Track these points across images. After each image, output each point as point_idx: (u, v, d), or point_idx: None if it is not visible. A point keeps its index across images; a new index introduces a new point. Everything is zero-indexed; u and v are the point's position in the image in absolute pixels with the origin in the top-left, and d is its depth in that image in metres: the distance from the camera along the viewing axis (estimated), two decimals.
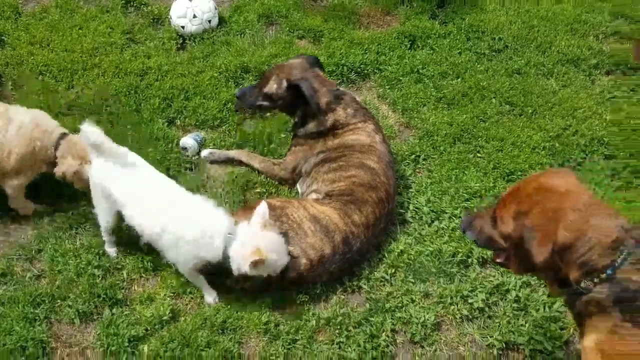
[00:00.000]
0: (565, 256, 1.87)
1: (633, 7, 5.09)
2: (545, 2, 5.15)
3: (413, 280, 2.91)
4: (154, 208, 2.68)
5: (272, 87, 3.32)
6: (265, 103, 3.39)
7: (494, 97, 4.05)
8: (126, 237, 3.05)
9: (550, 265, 1.90)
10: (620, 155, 3.59)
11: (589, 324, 1.91)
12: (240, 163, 3.54)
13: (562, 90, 4.18)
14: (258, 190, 3.36)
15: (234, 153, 3.58)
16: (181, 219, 2.62)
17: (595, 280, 1.85)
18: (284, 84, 3.29)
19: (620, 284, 1.81)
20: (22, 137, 2.93)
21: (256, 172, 3.48)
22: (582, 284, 1.88)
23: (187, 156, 3.54)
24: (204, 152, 3.58)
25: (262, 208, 2.58)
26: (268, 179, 3.43)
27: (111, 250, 3.02)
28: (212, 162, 3.57)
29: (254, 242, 2.49)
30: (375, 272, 2.95)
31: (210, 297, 2.83)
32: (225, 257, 2.57)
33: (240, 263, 2.52)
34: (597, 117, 3.92)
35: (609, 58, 4.47)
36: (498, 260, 2.18)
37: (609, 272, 1.82)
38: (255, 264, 2.47)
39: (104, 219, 2.91)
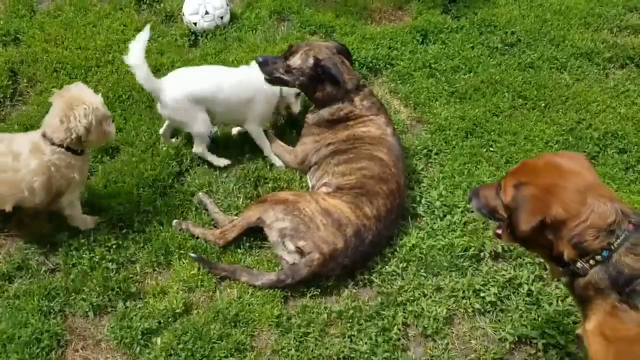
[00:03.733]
0: (559, 233, 1.91)
1: None
2: None
3: (425, 274, 2.90)
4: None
5: (296, 61, 3.30)
6: (285, 76, 3.34)
7: (506, 91, 4.03)
8: (140, 228, 3.09)
9: (537, 238, 1.95)
10: (634, 149, 3.55)
11: (590, 308, 1.94)
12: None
13: (576, 84, 4.14)
14: (270, 185, 3.37)
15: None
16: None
17: (591, 262, 1.89)
18: (311, 60, 3.26)
19: (616, 267, 1.85)
20: (34, 168, 2.76)
21: (268, 167, 3.50)
22: (578, 265, 1.92)
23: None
24: (234, 130, 3.72)
25: None
26: (279, 174, 3.44)
27: (220, 160, 3.46)
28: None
29: None
30: (387, 266, 2.95)
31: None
32: None
33: None
34: (611, 111, 3.88)
35: (623, 51, 4.41)
36: (497, 232, 2.20)
37: (604, 254, 1.86)
38: None
39: (205, 132, 3.36)
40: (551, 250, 1.97)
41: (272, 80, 3.39)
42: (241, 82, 3.42)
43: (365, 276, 2.91)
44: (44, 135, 2.76)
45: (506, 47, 4.50)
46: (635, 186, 3.31)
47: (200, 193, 3.26)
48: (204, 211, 3.20)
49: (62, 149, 2.76)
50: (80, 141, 2.77)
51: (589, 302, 1.95)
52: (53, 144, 2.74)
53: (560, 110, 3.89)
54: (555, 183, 1.93)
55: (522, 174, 2.05)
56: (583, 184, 1.91)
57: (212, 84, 3.33)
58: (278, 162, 3.51)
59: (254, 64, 3.41)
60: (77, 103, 2.71)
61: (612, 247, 1.86)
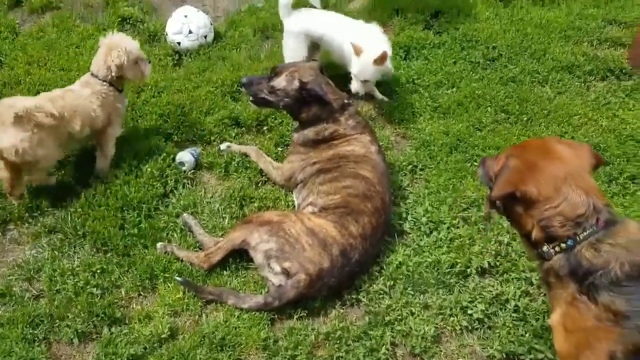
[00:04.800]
0: (530, 211, 1.99)
1: (625, 13, 5.11)
2: (537, 10, 5.18)
3: (412, 292, 2.90)
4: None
5: (281, 82, 3.31)
6: (269, 97, 3.36)
7: (489, 106, 4.06)
8: (124, 252, 3.07)
9: (510, 210, 2.06)
10: (616, 161, 3.58)
11: (553, 297, 2.02)
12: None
13: (558, 97, 4.19)
14: (256, 204, 3.36)
15: (246, 149, 3.67)
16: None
17: (557, 248, 1.97)
18: (296, 83, 3.27)
19: (577, 258, 1.92)
20: (88, 94, 3.36)
21: (254, 186, 3.50)
22: (544, 248, 2.00)
23: (184, 171, 3.55)
24: (223, 145, 3.72)
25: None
26: (265, 194, 3.43)
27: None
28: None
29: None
30: (374, 285, 2.94)
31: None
32: None
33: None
34: (593, 124, 3.92)
35: (603, 64, 4.47)
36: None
37: (569, 243, 1.93)
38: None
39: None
40: (522, 227, 2.06)
41: (256, 101, 3.41)
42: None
43: (353, 296, 2.90)
44: (92, 74, 3.43)
45: (488, 62, 4.54)
46: (618, 199, 3.34)
47: (185, 214, 3.25)
48: (188, 233, 3.18)
49: (106, 84, 3.42)
50: (121, 78, 3.47)
51: (551, 291, 2.02)
52: (98, 79, 3.40)
53: (543, 124, 3.92)
54: (538, 162, 2.00)
55: (519, 148, 2.15)
56: (564, 172, 1.96)
57: None
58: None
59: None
60: (115, 47, 3.39)
61: (578, 239, 1.92)
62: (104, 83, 3.41)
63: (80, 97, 3.32)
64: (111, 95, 3.43)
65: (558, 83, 4.32)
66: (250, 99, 3.43)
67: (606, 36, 4.84)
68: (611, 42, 4.79)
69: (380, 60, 3.58)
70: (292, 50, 4.08)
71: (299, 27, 4.04)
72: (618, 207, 3.27)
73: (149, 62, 3.59)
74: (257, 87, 3.37)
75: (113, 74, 3.39)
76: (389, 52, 3.69)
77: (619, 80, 4.39)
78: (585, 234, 1.92)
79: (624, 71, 4.43)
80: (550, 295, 2.06)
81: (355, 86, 3.78)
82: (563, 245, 1.95)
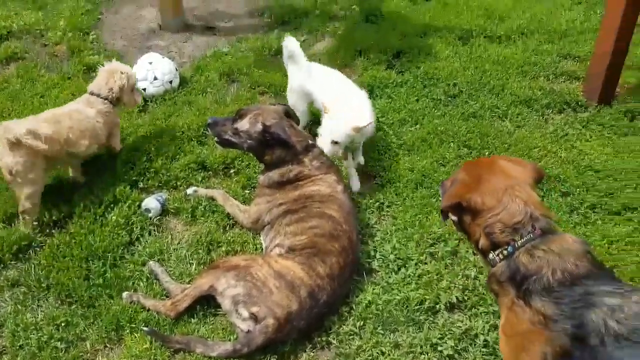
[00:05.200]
0: (476, 220, 2.15)
1: (578, 47, 5.32)
2: (494, 47, 5.36)
3: (382, 332, 2.88)
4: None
5: (245, 124, 3.35)
6: (233, 138, 3.41)
7: (452, 141, 4.15)
8: (89, 303, 3.00)
9: (460, 220, 2.22)
10: (576, 192, 3.67)
11: (500, 305, 2.13)
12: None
13: (517, 131, 4.30)
14: (224, 249, 3.34)
15: (213, 192, 3.66)
16: None
17: (500, 255, 2.10)
18: (259, 126, 3.31)
19: (515, 264, 2.04)
20: (93, 114, 3.67)
21: (221, 230, 3.48)
22: (491, 256, 2.13)
23: (150, 218, 3.52)
24: (189, 190, 3.71)
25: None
26: (233, 237, 3.42)
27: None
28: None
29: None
30: (344, 326, 2.92)
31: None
32: None
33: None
34: (552, 155, 4.03)
35: (559, 97, 4.63)
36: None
37: (509, 249, 2.07)
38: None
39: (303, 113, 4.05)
40: (472, 235, 2.21)
41: (220, 141, 3.46)
42: None
43: (323, 338, 2.87)
44: (91, 93, 3.75)
45: (449, 99, 4.66)
46: (580, 228, 3.41)
47: (151, 262, 3.20)
48: (155, 281, 3.13)
49: (108, 101, 3.75)
50: (118, 100, 3.82)
51: (498, 298, 2.13)
52: (100, 97, 3.73)
53: None
54: (482, 176, 2.17)
55: (468, 164, 2.39)
56: (506, 184, 2.12)
57: None
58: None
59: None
60: (116, 71, 3.81)
61: (516, 245, 2.05)
62: (106, 101, 3.74)
63: (87, 117, 3.60)
64: (112, 113, 3.79)
65: (517, 117, 4.45)
66: (215, 139, 3.48)
67: (561, 70, 5.03)
68: (566, 76, 4.97)
69: (358, 129, 3.48)
70: (292, 105, 4.03)
71: (296, 82, 4.09)
72: (581, 236, 3.33)
73: (140, 93, 4.15)
74: (221, 128, 3.42)
75: (114, 94, 3.75)
76: (372, 120, 3.66)
77: (575, 112, 4.54)
78: (522, 240, 2.05)
79: (579, 103, 4.59)
80: (498, 303, 2.17)
81: (326, 149, 3.50)
82: (505, 252, 2.08)
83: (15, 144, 3.14)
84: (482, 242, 2.15)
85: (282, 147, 3.28)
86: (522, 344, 1.98)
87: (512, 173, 2.19)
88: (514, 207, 2.08)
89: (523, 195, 2.11)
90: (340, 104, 3.60)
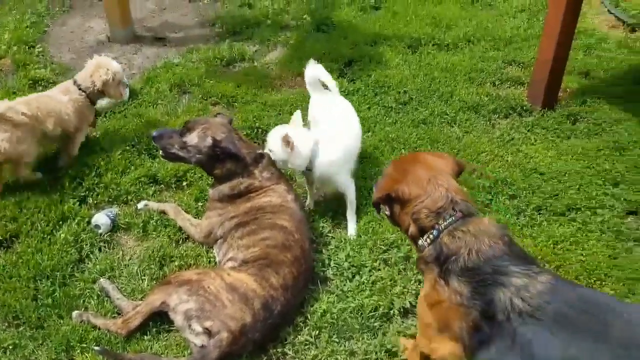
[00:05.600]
0: (405, 209, 2.34)
1: (523, 53, 5.50)
2: (442, 55, 5.49)
3: (338, 340, 2.90)
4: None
5: (193, 138, 3.29)
6: (181, 152, 3.33)
7: (403, 148, 4.21)
8: (38, 324, 2.92)
9: (391, 211, 2.41)
10: (523, 194, 3.78)
11: (425, 278, 2.33)
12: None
13: (466, 136, 4.41)
14: (176, 263, 3.30)
15: (164, 206, 3.61)
16: None
17: (427, 240, 2.27)
18: (209, 140, 3.26)
19: (440, 246, 2.21)
20: (66, 100, 3.88)
21: (174, 244, 3.44)
22: (420, 242, 2.31)
23: (100, 234, 3.46)
24: (140, 204, 3.64)
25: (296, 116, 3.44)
26: (186, 251, 3.38)
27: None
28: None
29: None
30: (299, 336, 2.92)
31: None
32: None
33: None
34: (499, 159, 4.14)
35: (505, 102, 4.76)
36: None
37: (435, 233, 2.24)
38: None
39: None
40: (403, 225, 2.39)
41: (167, 155, 3.39)
42: None
43: (279, 349, 2.87)
44: (74, 82, 3.96)
45: (400, 106, 4.74)
46: (527, 230, 3.52)
47: (101, 279, 3.14)
48: (106, 299, 3.07)
49: (84, 94, 3.94)
50: (99, 93, 4.00)
51: (424, 275, 2.33)
52: (79, 88, 3.93)
53: None
54: (408, 169, 2.38)
55: (394, 161, 2.61)
56: (429, 174, 2.32)
57: None
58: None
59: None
60: (103, 66, 3.97)
61: (440, 228, 2.23)
62: (82, 93, 3.92)
63: (56, 101, 3.81)
64: (85, 105, 3.95)
65: (465, 122, 4.56)
66: (161, 153, 3.39)
67: (507, 76, 5.17)
68: (511, 82, 5.12)
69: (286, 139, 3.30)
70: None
71: (310, 109, 3.87)
72: (527, 237, 3.45)
73: (127, 87, 4.41)
74: (168, 141, 3.35)
75: (96, 87, 3.92)
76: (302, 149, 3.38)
77: (520, 117, 4.68)
78: (445, 223, 2.23)
79: (524, 108, 4.73)
80: (424, 279, 2.37)
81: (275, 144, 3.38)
82: (431, 236, 2.25)
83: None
84: (412, 229, 2.33)
85: (232, 160, 3.27)
86: (444, 321, 2.18)
87: (434, 165, 2.39)
88: (437, 194, 2.26)
89: (445, 183, 2.30)
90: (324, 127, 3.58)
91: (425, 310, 2.29)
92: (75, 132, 3.95)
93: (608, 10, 6.38)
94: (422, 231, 2.29)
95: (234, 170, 3.28)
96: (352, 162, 3.60)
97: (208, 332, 2.70)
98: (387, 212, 2.44)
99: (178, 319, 2.77)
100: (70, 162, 3.97)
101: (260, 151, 3.39)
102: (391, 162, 2.57)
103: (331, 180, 3.54)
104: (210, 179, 3.74)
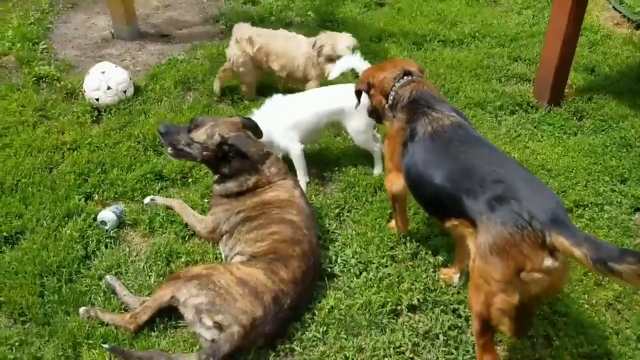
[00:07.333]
0: (377, 88, 3.19)
1: (528, 50, 5.48)
2: (448, 52, 5.47)
3: (345, 336, 2.89)
4: None
5: (201, 135, 3.28)
6: (187, 149, 3.32)
7: None
8: (44, 320, 2.91)
9: (371, 96, 3.26)
10: None
11: (387, 127, 3.21)
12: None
13: None
14: (183, 259, 3.29)
15: (170, 201, 3.61)
16: None
17: (389, 101, 3.10)
18: (217, 137, 3.25)
19: (394, 96, 3.08)
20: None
21: (180, 240, 3.43)
22: (389, 113, 3.12)
23: (107, 230, 3.44)
24: (147, 199, 3.64)
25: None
26: (192, 248, 3.37)
27: None
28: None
29: None
30: (307, 332, 2.91)
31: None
32: None
33: None
34: None
35: (511, 99, 4.75)
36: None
37: (392, 94, 3.09)
38: None
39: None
40: (378, 105, 3.24)
41: (175, 152, 3.38)
42: None
43: (286, 345, 2.86)
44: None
45: None
46: None
47: (108, 276, 3.12)
48: (112, 295, 3.06)
49: None
50: None
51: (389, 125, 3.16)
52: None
53: None
54: (382, 65, 3.28)
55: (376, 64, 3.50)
56: (396, 64, 3.20)
57: None
58: None
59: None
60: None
61: (395, 86, 3.09)
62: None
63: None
64: None
65: (472, 119, 4.53)
66: (169, 151, 3.38)
67: (512, 73, 5.16)
68: (517, 78, 5.11)
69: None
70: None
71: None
72: None
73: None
74: (175, 138, 3.33)
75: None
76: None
77: (527, 113, 4.67)
78: (399, 84, 3.07)
79: (530, 104, 4.72)
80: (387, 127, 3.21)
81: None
82: (390, 96, 3.09)
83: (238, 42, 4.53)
84: (383, 101, 3.16)
85: (240, 158, 3.26)
86: (390, 142, 3.08)
87: (400, 61, 3.44)
88: (396, 70, 3.13)
89: (404, 64, 3.19)
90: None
91: (386, 146, 3.14)
92: None
93: (613, 7, 6.36)
94: (387, 98, 3.12)
95: (242, 168, 3.27)
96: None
97: (219, 326, 2.69)
98: (368, 105, 3.33)
99: (188, 313, 2.76)
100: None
101: (267, 149, 3.38)
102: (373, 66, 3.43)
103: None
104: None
